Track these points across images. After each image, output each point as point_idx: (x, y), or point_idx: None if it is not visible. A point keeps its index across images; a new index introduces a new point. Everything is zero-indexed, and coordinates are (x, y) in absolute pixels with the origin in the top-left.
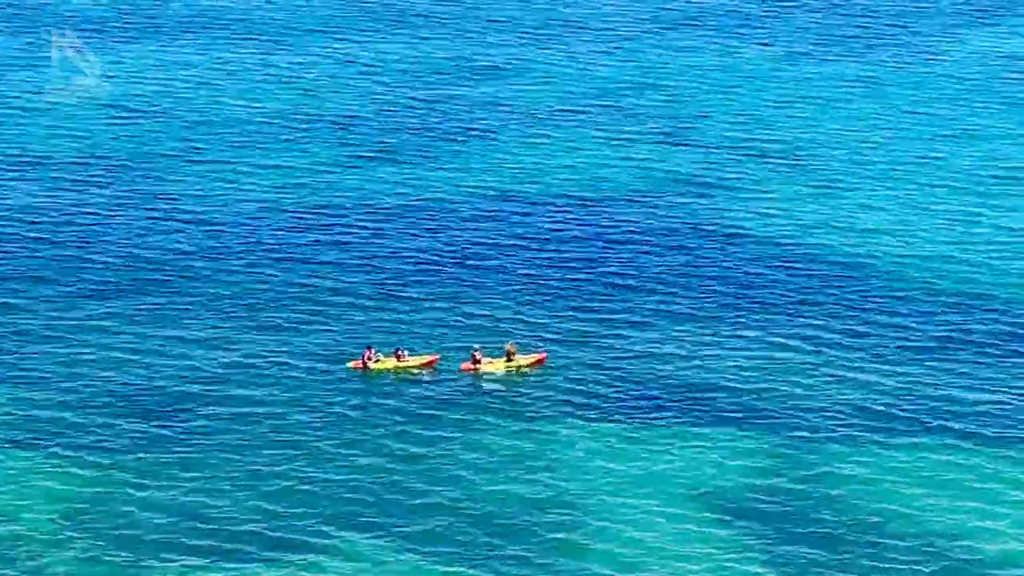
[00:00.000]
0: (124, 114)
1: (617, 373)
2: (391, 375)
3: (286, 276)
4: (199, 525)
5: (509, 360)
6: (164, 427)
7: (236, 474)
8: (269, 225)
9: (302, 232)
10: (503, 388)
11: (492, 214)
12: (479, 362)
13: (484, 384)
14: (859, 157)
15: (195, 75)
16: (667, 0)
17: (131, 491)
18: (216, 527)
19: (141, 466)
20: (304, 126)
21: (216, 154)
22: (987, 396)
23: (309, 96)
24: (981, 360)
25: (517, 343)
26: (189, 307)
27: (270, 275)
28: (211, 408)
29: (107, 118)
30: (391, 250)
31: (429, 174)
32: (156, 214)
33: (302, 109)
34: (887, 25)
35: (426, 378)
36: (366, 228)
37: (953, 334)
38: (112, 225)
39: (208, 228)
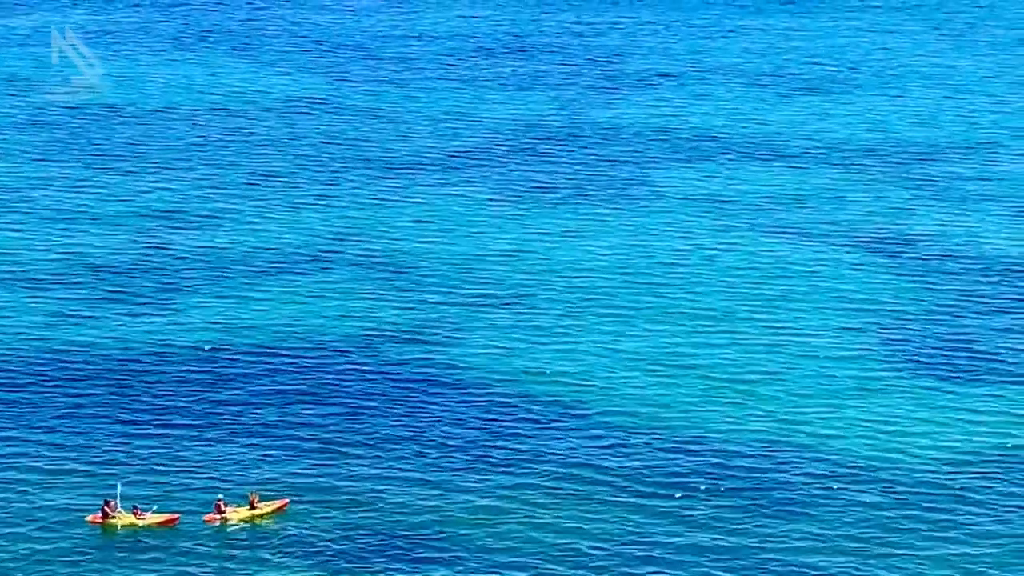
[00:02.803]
0: None
1: (356, 521)
2: (131, 530)
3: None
4: None
5: (252, 508)
6: None
7: None
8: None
9: (36, 383)
10: (245, 539)
11: (222, 368)
12: (223, 512)
13: (227, 534)
14: (573, 307)
15: None
16: (381, 146)
17: None
18: None
19: None
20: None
21: None
22: (705, 536)
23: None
24: (697, 508)
25: (259, 491)
26: None
27: None
28: None
29: None
30: (130, 401)
31: (143, 325)
32: None
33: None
34: (601, 173)
35: (165, 532)
36: (113, 381)
37: (665, 479)
38: None
39: None
